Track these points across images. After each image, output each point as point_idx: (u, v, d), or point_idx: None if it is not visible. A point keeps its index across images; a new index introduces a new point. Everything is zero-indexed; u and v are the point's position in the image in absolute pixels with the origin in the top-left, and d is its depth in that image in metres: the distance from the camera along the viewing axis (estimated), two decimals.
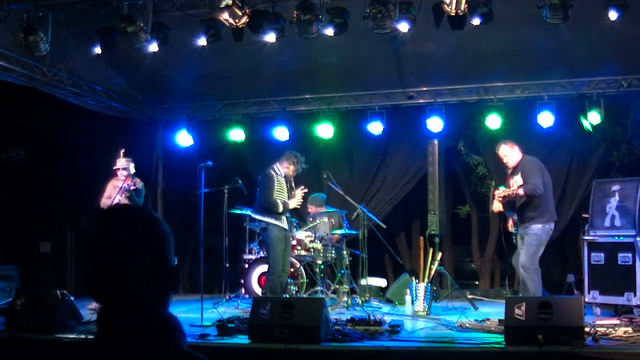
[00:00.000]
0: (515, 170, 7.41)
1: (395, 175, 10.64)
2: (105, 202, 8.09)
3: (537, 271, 7.12)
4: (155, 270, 1.56)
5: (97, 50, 7.40)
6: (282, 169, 7.91)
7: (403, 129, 10.43)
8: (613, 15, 6.40)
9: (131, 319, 1.50)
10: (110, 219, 1.62)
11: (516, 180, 7.29)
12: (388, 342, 5.65)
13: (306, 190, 8.13)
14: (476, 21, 6.50)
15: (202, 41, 7.13)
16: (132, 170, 8.14)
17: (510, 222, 7.70)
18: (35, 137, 11.81)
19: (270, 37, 6.99)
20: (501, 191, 7.43)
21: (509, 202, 7.48)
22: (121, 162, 8.12)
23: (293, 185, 8.01)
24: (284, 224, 7.72)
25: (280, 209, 7.62)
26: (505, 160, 7.52)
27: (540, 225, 7.15)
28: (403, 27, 6.75)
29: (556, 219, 7.50)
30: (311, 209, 9.24)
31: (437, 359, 5.36)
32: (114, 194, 8.04)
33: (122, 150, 8.17)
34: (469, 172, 11.25)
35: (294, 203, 7.86)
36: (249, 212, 8.71)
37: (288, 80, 9.52)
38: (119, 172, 8.12)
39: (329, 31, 6.81)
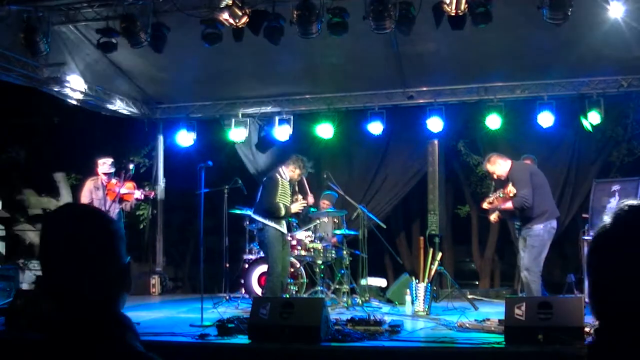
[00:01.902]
0: (508, 179, 7.26)
1: (395, 175, 10.64)
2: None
3: (540, 273, 7.06)
4: (105, 269, 1.55)
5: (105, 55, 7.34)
6: (287, 173, 7.86)
7: (403, 129, 10.43)
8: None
9: (81, 318, 1.49)
10: (59, 218, 1.61)
11: (511, 189, 7.14)
12: (388, 342, 5.64)
13: (305, 204, 8.11)
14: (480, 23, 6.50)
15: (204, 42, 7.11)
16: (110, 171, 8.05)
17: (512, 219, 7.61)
18: (35, 137, 11.82)
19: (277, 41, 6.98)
20: (487, 201, 7.28)
21: (507, 211, 7.38)
22: (106, 165, 8.02)
23: (297, 189, 7.98)
24: (282, 228, 7.68)
25: (282, 212, 7.58)
26: (495, 177, 7.26)
27: (541, 225, 7.07)
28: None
29: (558, 214, 7.34)
30: (325, 204, 9.26)
31: (437, 359, 5.36)
32: (95, 194, 7.94)
33: (133, 164, 8.10)
34: (469, 172, 11.26)
35: (296, 208, 7.81)
36: (249, 213, 8.71)
37: (288, 80, 9.53)
38: (102, 174, 8.00)
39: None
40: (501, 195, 7.17)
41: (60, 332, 1.50)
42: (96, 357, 1.46)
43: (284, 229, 7.65)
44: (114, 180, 7.98)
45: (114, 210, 7.88)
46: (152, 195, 8.15)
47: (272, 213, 7.57)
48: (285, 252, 7.79)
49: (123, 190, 7.98)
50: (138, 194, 8.09)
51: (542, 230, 7.07)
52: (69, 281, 1.52)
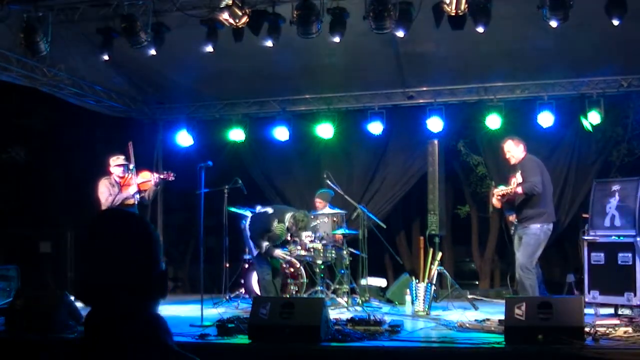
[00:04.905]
0: (516, 167, 7.42)
1: (395, 175, 10.64)
2: (109, 200, 7.84)
3: (535, 271, 7.11)
4: (142, 274, 1.58)
5: (105, 57, 7.36)
6: (289, 221, 8.09)
7: (403, 129, 10.43)
8: (616, 21, 6.38)
9: (118, 321, 1.52)
10: (100, 222, 1.64)
11: (517, 178, 7.30)
12: (388, 342, 5.65)
13: (287, 256, 8.34)
14: (480, 29, 6.50)
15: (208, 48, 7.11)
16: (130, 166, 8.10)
17: (512, 216, 7.64)
18: (35, 137, 11.82)
19: (269, 43, 7.00)
20: (500, 189, 7.42)
21: (508, 202, 7.48)
22: (120, 159, 8.08)
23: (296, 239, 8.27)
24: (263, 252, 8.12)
25: (263, 249, 7.97)
26: (507, 156, 7.54)
27: (538, 225, 7.15)
28: (399, 34, 6.77)
29: (555, 219, 7.50)
30: (320, 203, 9.27)
31: (437, 359, 5.36)
32: (112, 191, 7.94)
33: (130, 143, 8.09)
34: (469, 172, 11.25)
35: (278, 254, 8.08)
36: (248, 213, 8.73)
37: (288, 80, 9.52)
38: (116, 169, 8.03)
39: (336, 39, 6.82)
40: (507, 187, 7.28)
41: (97, 334, 1.52)
42: (133, 357, 1.49)
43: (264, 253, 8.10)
44: (127, 175, 8.00)
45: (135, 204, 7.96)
46: (170, 177, 8.15)
47: (255, 243, 7.94)
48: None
49: (139, 180, 8.01)
50: (155, 178, 8.12)
51: (539, 230, 7.13)
52: (106, 285, 1.54)
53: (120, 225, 1.61)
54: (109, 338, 1.50)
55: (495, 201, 7.59)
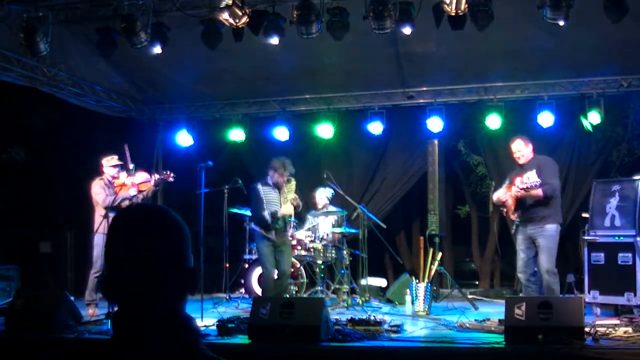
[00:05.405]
0: (525, 167, 7.15)
1: (395, 175, 10.64)
2: (107, 200, 7.67)
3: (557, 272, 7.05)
4: (171, 271, 1.53)
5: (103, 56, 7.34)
6: (271, 178, 7.80)
7: (403, 129, 10.43)
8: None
9: (146, 319, 1.48)
10: (127, 218, 1.59)
11: (528, 177, 7.04)
12: (388, 342, 5.65)
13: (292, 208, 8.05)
14: (479, 29, 6.49)
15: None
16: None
17: (514, 215, 7.41)
18: (35, 137, 11.81)
19: (274, 40, 6.96)
20: (517, 189, 7.04)
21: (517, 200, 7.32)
22: (114, 160, 7.97)
23: (285, 190, 7.87)
24: (272, 236, 7.63)
25: (269, 220, 7.53)
26: (517, 156, 7.22)
27: (555, 225, 6.98)
28: (406, 30, 6.73)
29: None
30: (322, 199, 9.26)
31: (437, 359, 5.36)
32: (108, 191, 7.84)
33: (126, 145, 8.01)
34: (469, 172, 11.26)
35: (284, 210, 7.69)
36: (248, 213, 8.73)
37: (288, 80, 9.52)
38: (109, 170, 7.92)
39: (335, 39, 6.79)
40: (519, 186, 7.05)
41: (125, 333, 1.48)
42: (164, 358, 1.45)
43: (273, 237, 7.59)
44: (123, 174, 7.90)
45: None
46: (169, 178, 8.04)
47: (260, 223, 7.60)
48: (283, 255, 7.73)
49: (137, 180, 7.92)
50: (154, 178, 8.03)
51: (555, 231, 7.00)
52: (135, 282, 1.49)
53: (147, 219, 1.55)
54: (140, 339, 1.46)
55: (500, 195, 7.35)
